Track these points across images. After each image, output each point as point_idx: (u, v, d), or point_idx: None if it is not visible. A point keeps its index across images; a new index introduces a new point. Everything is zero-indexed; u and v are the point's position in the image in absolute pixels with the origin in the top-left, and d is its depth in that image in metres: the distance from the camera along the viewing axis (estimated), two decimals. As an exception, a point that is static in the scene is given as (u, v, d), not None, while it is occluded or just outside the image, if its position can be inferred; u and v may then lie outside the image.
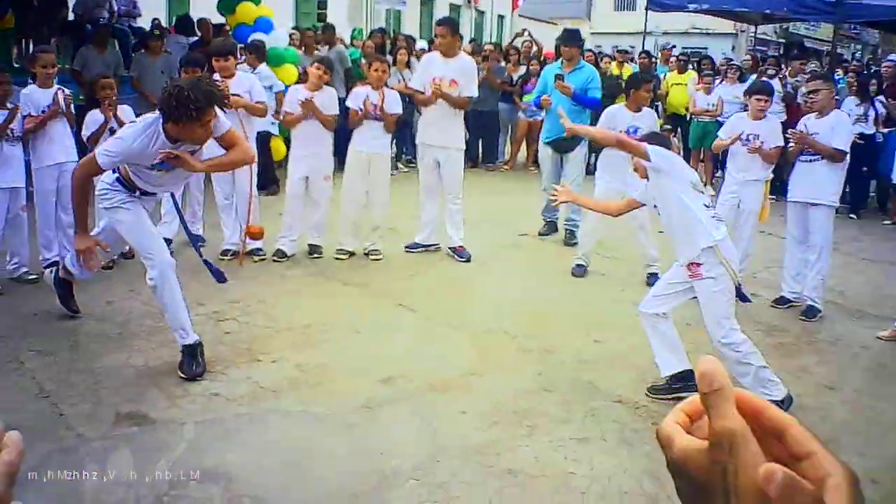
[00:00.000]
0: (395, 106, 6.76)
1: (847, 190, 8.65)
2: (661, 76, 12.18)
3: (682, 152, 11.29)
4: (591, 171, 8.01)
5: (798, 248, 6.03)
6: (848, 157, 5.92)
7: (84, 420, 3.74)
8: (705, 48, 32.50)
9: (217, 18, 11.15)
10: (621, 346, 5.05)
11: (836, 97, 6.99)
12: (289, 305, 5.47)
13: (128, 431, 3.65)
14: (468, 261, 6.79)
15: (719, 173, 11.44)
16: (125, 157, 4.06)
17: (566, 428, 3.93)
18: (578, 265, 6.62)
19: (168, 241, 6.36)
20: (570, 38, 7.56)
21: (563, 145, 7.39)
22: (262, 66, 8.50)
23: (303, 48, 10.89)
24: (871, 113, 9.45)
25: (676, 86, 11.81)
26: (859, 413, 4.30)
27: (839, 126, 5.82)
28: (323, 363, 4.52)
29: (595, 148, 8.37)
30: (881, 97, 9.83)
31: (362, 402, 4.07)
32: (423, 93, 6.89)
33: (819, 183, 5.80)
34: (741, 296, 4.25)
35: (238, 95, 6.36)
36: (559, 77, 7.16)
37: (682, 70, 12.04)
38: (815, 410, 4.27)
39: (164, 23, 16.12)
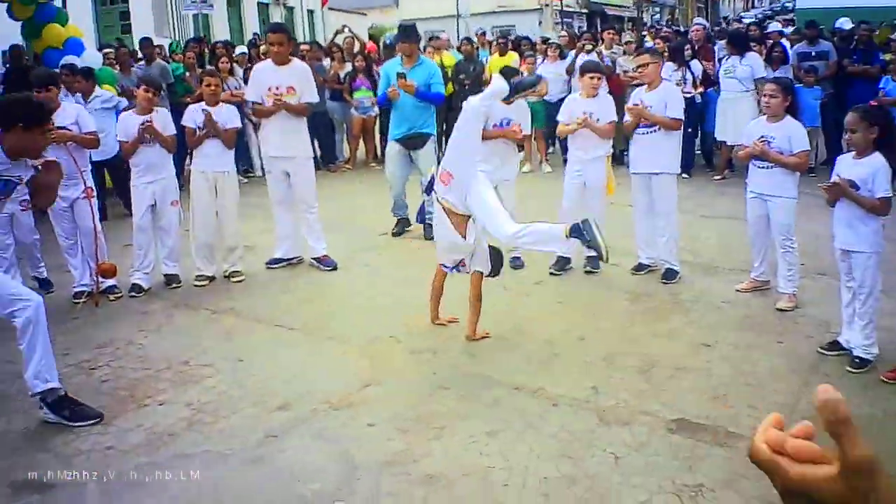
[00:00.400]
0: (233, 120, 6.60)
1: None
2: (484, 60, 12.43)
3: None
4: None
5: (646, 216, 6.35)
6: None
7: (-23, 495, 3.45)
8: (513, 26, 33.48)
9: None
10: (503, 332, 5.18)
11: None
12: (160, 342, 5.22)
13: (29, 501, 3.39)
14: (334, 269, 6.70)
15: (551, 150, 11.88)
16: None
17: (472, 424, 3.99)
18: None
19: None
20: (408, 35, 7.56)
21: (413, 142, 7.44)
22: (99, 90, 8.15)
23: (118, 67, 10.34)
24: (689, 76, 10.04)
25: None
26: (739, 366, 4.60)
27: (670, 96, 6.17)
28: (213, 399, 4.36)
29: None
30: (695, 60, 10.47)
31: (264, 433, 3.96)
32: (261, 104, 6.72)
33: (659, 153, 6.12)
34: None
35: (65, 128, 5.99)
36: (401, 76, 7.15)
37: (503, 53, 12.32)
38: (699, 370, 4.54)
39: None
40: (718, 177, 10.11)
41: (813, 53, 10.60)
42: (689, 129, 9.69)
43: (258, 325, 5.55)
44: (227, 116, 6.54)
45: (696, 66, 10.40)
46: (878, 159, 4.47)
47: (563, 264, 6.46)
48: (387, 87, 7.44)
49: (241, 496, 3.46)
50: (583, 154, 6.44)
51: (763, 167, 5.54)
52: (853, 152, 4.64)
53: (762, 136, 5.51)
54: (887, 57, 10.23)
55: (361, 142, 12.03)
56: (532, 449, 3.74)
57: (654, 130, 6.13)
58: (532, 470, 3.57)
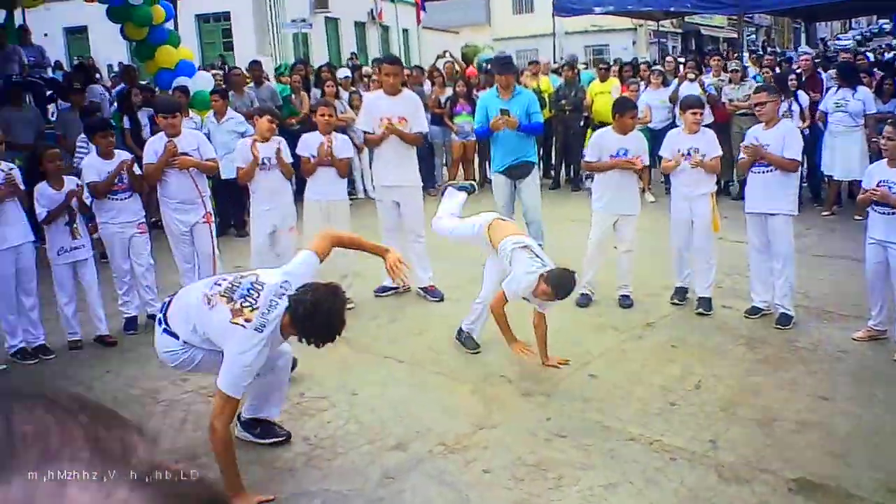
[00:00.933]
0: (346, 150, 6.72)
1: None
2: (586, 86, 12.36)
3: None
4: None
5: (760, 256, 6.18)
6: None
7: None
8: (606, 45, 33.32)
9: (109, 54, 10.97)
10: (616, 378, 5.12)
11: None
12: (274, 370, 5.34)
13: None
14: (441, 300, 6.75)
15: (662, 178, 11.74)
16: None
17: (590, 475, 3.95)
18: (583, 294, 6.49)
19: (132, 320, 6.19)
20: (506, 66, 7.50)
21: (518, 171, 7.40)
22: (231, 112, 8.58)
23: (230, 88, 10.64)
24: (796, 108, 9.77)
25: (600, 94, 11.91)
26: (859, 422, 4.45)
27: (789, 136, 6.00)
28: (330, 433, 4.44)
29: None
30: (801, 91, 10.20)
31: (382, 473, 4.02)
32: (372, 133, 6.83)
33: (775, 194, 5.96)
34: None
35: (187, 154, 6.24)
36: (504, 112, 7.03)
37: (603, 78, 12.24)
38: (819, 426, 4.41)
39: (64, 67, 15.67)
40: (827, 212, 9.82)
41: (925, 85, 10.21)
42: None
43: (368, 355, 5.63)
44: (341, 146, 6.67)
45: (803, 97, 10.14)
46: None
47: (682, 295, 6.44)
48: (483, 120, 7.40)
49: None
50: (688, 191, 6.36)
51: (884, 213, 5.37)
52: None
53: (883, 181, 5.35)
54: None
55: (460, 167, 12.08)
56: (653, 505, 3.69)
57: (771, 170, 5.97)
58: (654, 528, 3.53)
